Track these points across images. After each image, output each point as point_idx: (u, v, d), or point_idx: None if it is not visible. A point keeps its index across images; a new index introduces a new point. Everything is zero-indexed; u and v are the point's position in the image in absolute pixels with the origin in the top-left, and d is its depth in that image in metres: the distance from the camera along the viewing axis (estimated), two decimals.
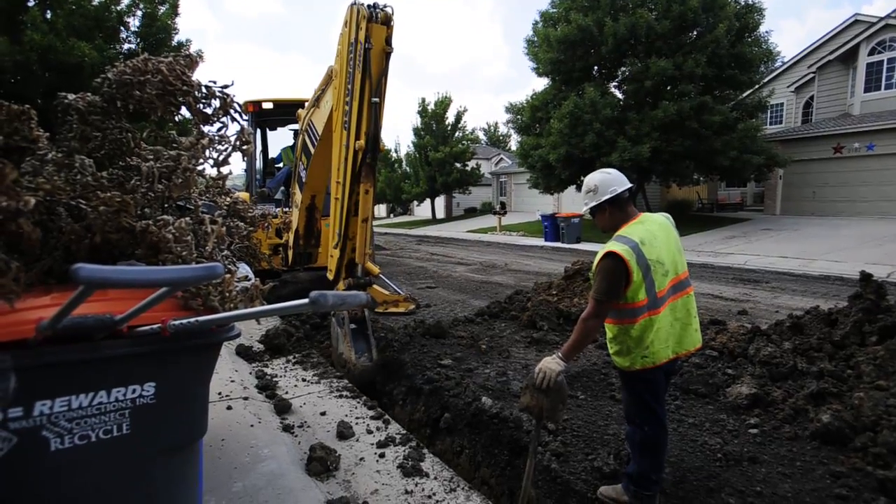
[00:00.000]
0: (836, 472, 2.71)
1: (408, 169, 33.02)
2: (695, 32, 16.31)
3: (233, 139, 1.84)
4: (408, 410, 4.12)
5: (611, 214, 2.51)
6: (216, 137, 1.81)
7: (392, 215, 43.83)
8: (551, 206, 24.68)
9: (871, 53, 17.65)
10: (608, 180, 2.51)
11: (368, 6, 3.96)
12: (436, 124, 29.47)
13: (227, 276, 1.60)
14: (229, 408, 3.50)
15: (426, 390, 4.02)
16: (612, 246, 2.34)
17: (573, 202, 24.43)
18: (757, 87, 18.54)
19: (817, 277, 9.42)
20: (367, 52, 3.95)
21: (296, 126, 8.96)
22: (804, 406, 3.34)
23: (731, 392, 3.67)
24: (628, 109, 16.45)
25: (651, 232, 2.41)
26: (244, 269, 2.16)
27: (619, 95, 17.92)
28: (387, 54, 4.10)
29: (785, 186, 18.89)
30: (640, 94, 16.30)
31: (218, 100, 1.79)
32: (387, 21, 3.98)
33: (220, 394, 3.69)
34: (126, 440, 1.47)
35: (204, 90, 1.77)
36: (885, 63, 17.44)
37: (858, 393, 3.19)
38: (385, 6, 3.99)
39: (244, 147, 1.84)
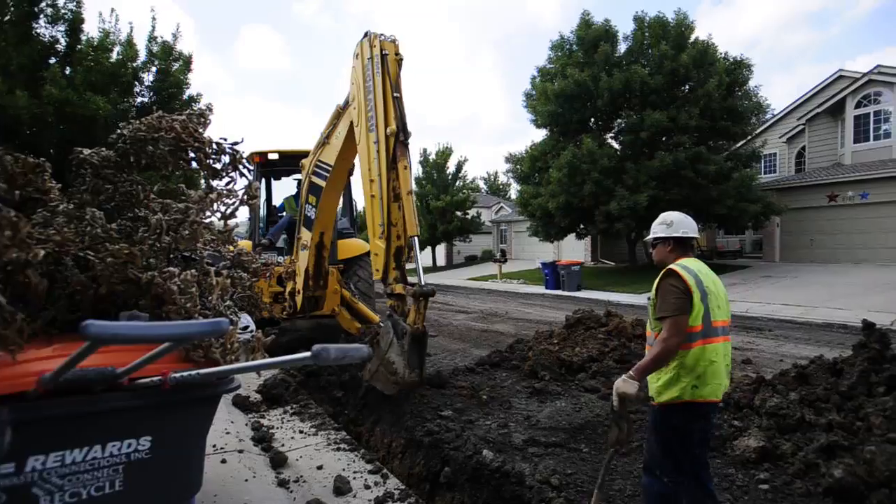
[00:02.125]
0: None
1: None
2: (687, 87, 16.94)
3: (240, 193, 1.89)
4: (407, 464, 3.99)
5: (671, 251, 2.63)
6: (224, 191, 1.86)
7: None
8: (551, 254, 24.78)
9: (857, 107, 18.26)
10: (685, 221, 2.68)
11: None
12: (437, 173, 30.10)
13: (231, 328, 1.60)
14: (223, 461, 3.40)
15: (426, 443, 3.92)
16: (672, 266, 2.46)
17: (573, 250, 24.57)
18: (750, 137, 19.08)
19: (820, 325, 9.34)
20: (385, 57, 4.76)
21: (300, 176, 9.20)
22: (815, 460, 3.24)
23: (738, 445, 3.57)
24: (625, 160, 16.85)
25: (705, 269, 2.54)
26: (246, 320, 2.17)
27: (616, 146, 18.39)
28: (399, 61, 4.85)
29: (783, 234, 19.05)
30: (636, 145, 16.73)
31: (227, 156, 1.85)
32: (394, 41, 4.89)
33: (214, 446, 3.59)
34: (118, 498, 1.43)
35: (214, 146, 1.84)
36: (872, 116, 18.01)
37: (870, 446, 3.11)
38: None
39: (251, 201, 1.90)
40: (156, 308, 1.60)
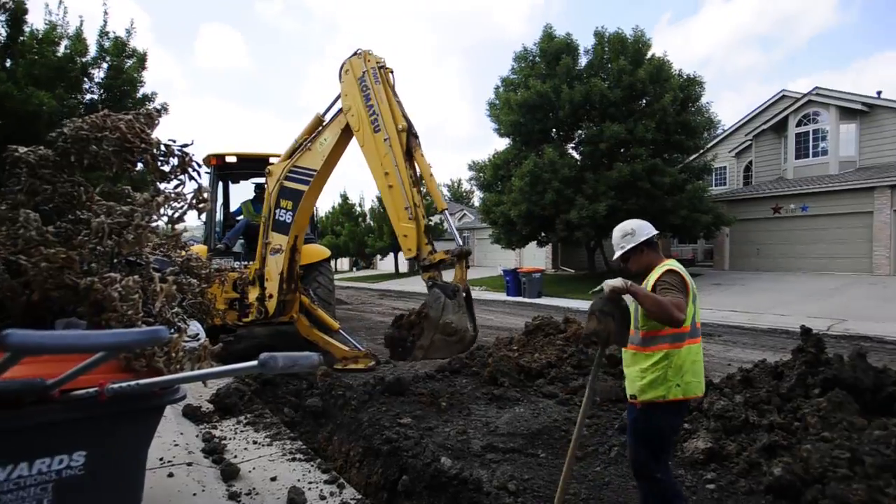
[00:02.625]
0: None
1: (372, 223, 33.16)
2: (644, 101, 17.56)
3: (189, 197, 1.82)
4: (364, 473, 3.93)
5: (646, 255, 2.66)
6: (172, 195, 1.79)
7: (355, 269, 43.48)
8: (513, 261, 25.10)
9: (798, 125, 19.41)
10: (643, 224, 2.71)
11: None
12: None
13: (175, 335, 1.54)
14: (171, 475, 3.26)
15: (384, 451, 3.87)
16: (670, 265, 2.49)
17: (534, 257, 24.97)
18: (702, 151, 19.95)
19: (765, 331, 9.81)
20: (381, 68, 5.52)
21: (259, 180, 8.99)
22: (757, 460, 3.40)
23: (688, 447, 3.70)
24: (585, 170, 17.28)
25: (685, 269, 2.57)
26: (195, 327, 2.09)
27: (577, 156, 18.85)
28: (391, 71, 5.65)
29: (732, 244, 19.97)
30: (595, 156, 17.20)
31: (176, 158, 1.79)
32: (381, 60, 5.67)
33: (161, 459, 3.44)
34: None
35: (163, 148, 1.77)
36: (811, 134, 19.19)
37: (806, 445, 3.28)
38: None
39: (200, 205, 1.83)
40: (95, 315, 1.52)
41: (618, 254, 2.73)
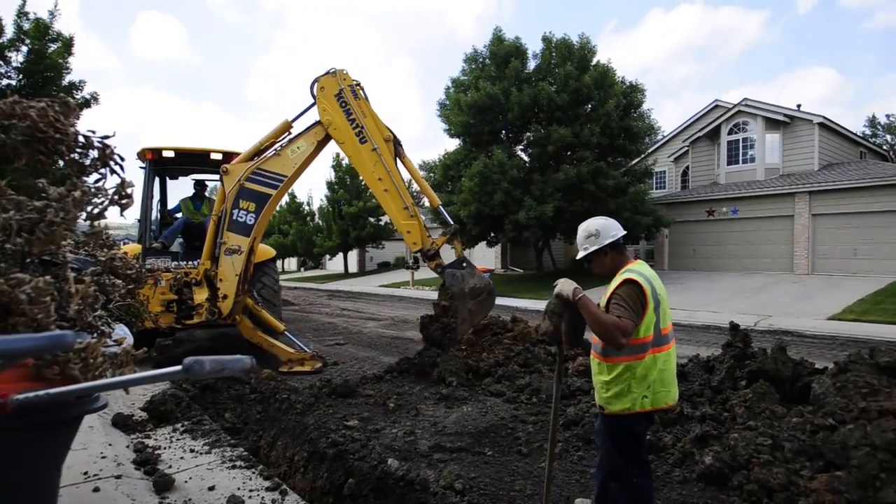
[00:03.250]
0: None
1: (320, 223, 32.50)
2: (589, 106, 18.14)
3: (111, 192, 1.69)
4: (309, 478, 3.83)
5: (611, 259, 2.52)
6: (91, 189, 1.65)
7: (303, 269, 42.46)
8: None
9: (730, 132, 20.67)
10: (608, 225, 2.54)
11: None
12: (350, 179, 29.57)
13: (93, 340, 1.43)
14: (96, 489, 3.04)
15: (330, 454, 3.79)
16: (629, 274, 2.34)
17: (484, 257, 25.26)
18: (643, 156, 20.87)
19: (700, 327, 10.37)
20: (357, 85, 6.22)
21: (199, 176, 8.59)
22: (691, 449, 3.57)
23: None
24: (533, 171, 17.66)
25: (653, 273, 2.46)
26: (121, 331, 1.96)
27: (525, 158, 19.23)
28: (362, 88, 6.31)
29: (670, 244, 21.01)
30: (543, 158, 17.60)
31: (96, 150, 1.65)
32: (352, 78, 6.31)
33: (85, 473, 3.21)
34: None
35: (81, 139, 1.63)
36: (741, 142, 20.49)
37: (734, 434, 3.48)
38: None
39: (123, 201, 1.70)
40: (0, 320, 1.39)
41: (581, 255, 2.60)
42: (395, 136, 6.18)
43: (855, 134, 22.11)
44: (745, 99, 20.24)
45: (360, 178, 7.95)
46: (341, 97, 6.11)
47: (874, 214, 16.04)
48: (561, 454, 3.78)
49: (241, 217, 6.43)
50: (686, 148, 23.48)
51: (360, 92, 6.20)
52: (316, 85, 6.24)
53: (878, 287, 13.62)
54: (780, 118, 19.39)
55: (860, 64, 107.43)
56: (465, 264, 5.84)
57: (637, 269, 2.43)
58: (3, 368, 1.08)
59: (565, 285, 2.35)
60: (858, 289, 13.49)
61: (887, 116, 43.29)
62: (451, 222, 6.45)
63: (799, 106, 20.68)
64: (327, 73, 6.22)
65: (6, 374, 1.16)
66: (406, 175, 6.49)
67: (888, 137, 40.36)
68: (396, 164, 6.22)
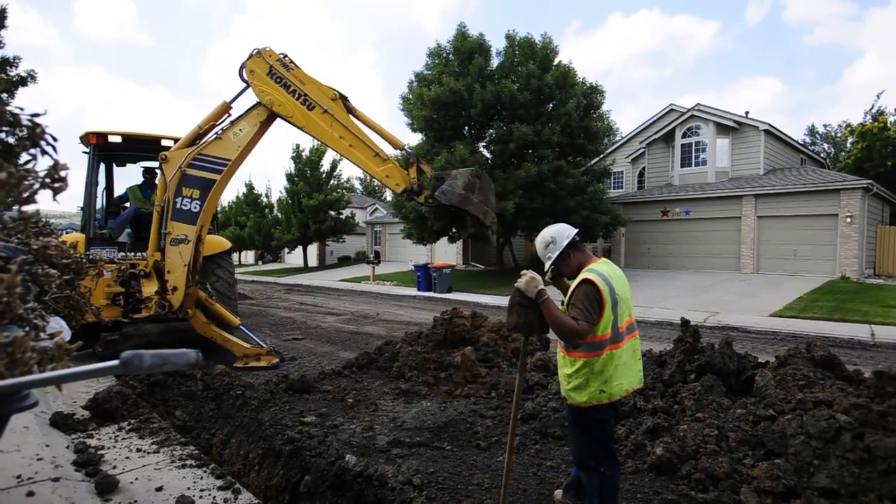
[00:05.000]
0: (669, 500, 3.00)
1: (279, 215, 31.72)
2: (551, 105, 18.41)
3: (42, 175, 1.56)
4: (264, 476, 3.74)
5: (574, 258, 2.64)
6: (19, 172, 1.52)
7: (261, 262, 41.37)
8: (425, 257, 25.27)
9: (684, 136, 21.45)
10: (560, 229, 2.67)
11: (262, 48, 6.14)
12: (310, 171, 28.98)
13: (21, 334, 1.32)
14: (31, 493, 2.86)
15: (286, 451, 3.70)
16: (587, 275, 2.43)
17: (445, 253, 25.32)
18: (602, 156, 21.37)
19: (653, 323, 10.74)
20: (285, 57, 6.07)
21: (148, 164, 8.19)
22: (643, 441, 3.68)
23: None
24: (495, 168, 17.78)
25: (615, 271, 2.57)
26: (57, 324, 1.84)
27: (487, 154, 19.34)
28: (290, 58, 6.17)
29: (627, 243, 21.66)
30: (505, 155, 17.75)
31: (24, 129, 1.52)
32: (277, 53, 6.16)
33: (18, 477, 3.01)
34: None
35: (9, 118, 1.50)
36: (694, 145, 21.31)
37: (683, 426, 3.62)
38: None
39: (56, 185, 1.58)
40: None
41: (547, 266, 2.71)
42: (340, 94, 6.00)
43: (796, 141, 23.38)
44: (698, 104, 21.06)
45: (321, 144, 7.50)
46: (274, 74, 5.99)
47: (812, 217, 17.05)
48: (518, 447, 3.83)
49: (186, 205, 6.20)
50: (643, 149, 24.22)
51: (290, 63, 6.06)
52: (244, 70, 6.08)
53: (815, 286, 14.50)
54: (730, 124, 20.27)
55: (801, 76, 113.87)
56: (441, 178, 5.63)
57: (597, 269, 2.52)
58: None
59: (529, 284, 2.42)
60: (798, 287, 14.32)
61: (825, 126, 46.16)
62: (410, 150, 6.23)
63: (747, 113, 21.69)
64: (251, 55, 6.07)
65: None
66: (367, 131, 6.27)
67: (825, 146, 42.95)
68: (352, 119, 6.06)
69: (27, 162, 1.57)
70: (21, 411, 1.32)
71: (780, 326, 9.84)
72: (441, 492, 3.16)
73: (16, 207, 1.58)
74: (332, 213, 28.72)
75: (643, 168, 24.66)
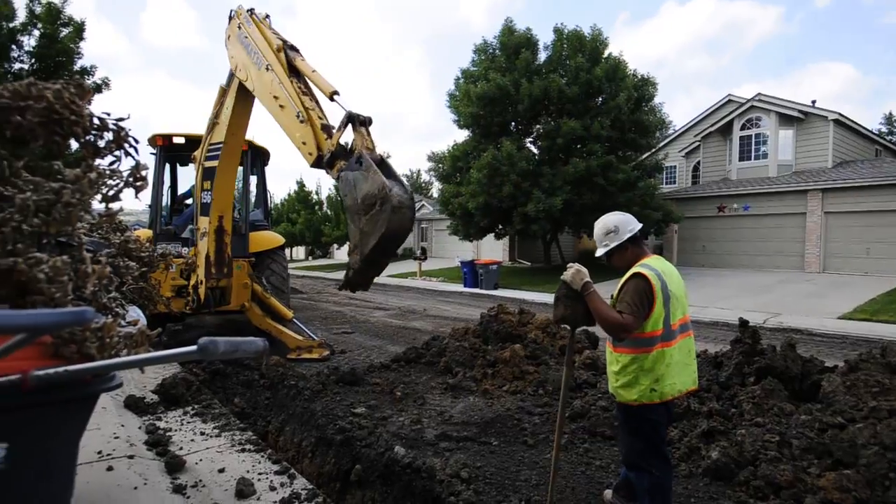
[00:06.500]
0: None
1: (328, 212, 32.58)
2: (600, 99, 17.97)
3: (126, 174, 1.70)
4: (317, 463, 3.88)
5: (631, 252, 2.60)
6: (106, 171, 1.66)
7: (311, 258, 42.65)
8: (471, 253, 25.28)
9: (742, 128, 20.40)
10: (626, 220, 2.63)
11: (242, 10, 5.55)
12: None
13: (110, 320, 1.44)
14: (110, 468, 3.09)
15: (337, 441, 3.83)
16: (640, 269, 2.41)
17: (491, 249, 25.23)
18: (654, 150, 20.66)
19: (708, 323, 10.31)
20: (251, 12, 5.44)
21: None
22: (697, 444, 3.57)
23: None
24: (542, 164, 17.55)
25: (668, 267, 2.54)
26: (135, 313, 1.98)
27: (535, 150, 19.12)
28: (266, 15, 5.49)
29: (680, 240, 20.85)
30: (552, 151, 17.49)
31: (111, 132, 1.66)
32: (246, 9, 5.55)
33: (99, 453, 3.26)
34: None
35: (96, 121, 1.64)
36: (754, 137, 20.22)
37: (741, 430, 3.47)
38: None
39: (138, 183, 1.71)
40: (19, 299, 1.41)
41: (601, 252, 2.66)
42: (286, 43, 5.02)
43: (870, 131, 21.76)
44: (759, 94, 19.96)
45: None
46: (241, 33, 5.37)
47: (888, 213, 15.82)
48: (566, 446, 3.79)
49: (205, 198, 6.27)
50: (697, 143, 23.22)
51: (253, 17, 5.38)
52: (225, 38, 5.65)
53: (891, 287, 13.46)
54: (795, 114, 19.10)
55: (877, 60, 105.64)
56: (360, 162, 3.90)
57: (649, 265, 2.48)
58: (24, 344, 1.09)
59: (576, 276, 2.41)
60: (870, 288, 13.35)
61: None
62: (346, 110, 4.31)
63: (814, 102, 20.37)
64: (229, 19, 5.64)
65: (26, 351, 1.17)
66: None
67: None
68: (297, 72, 4.94)
69: (112, 163, 1.71)
70: (109, 391, 1.44)
71: (849, 329, 9.22)
72: (489, 486, 3.18)
73: (103, 205, 1.73)
74: None
75: (698, 162, 23.65)
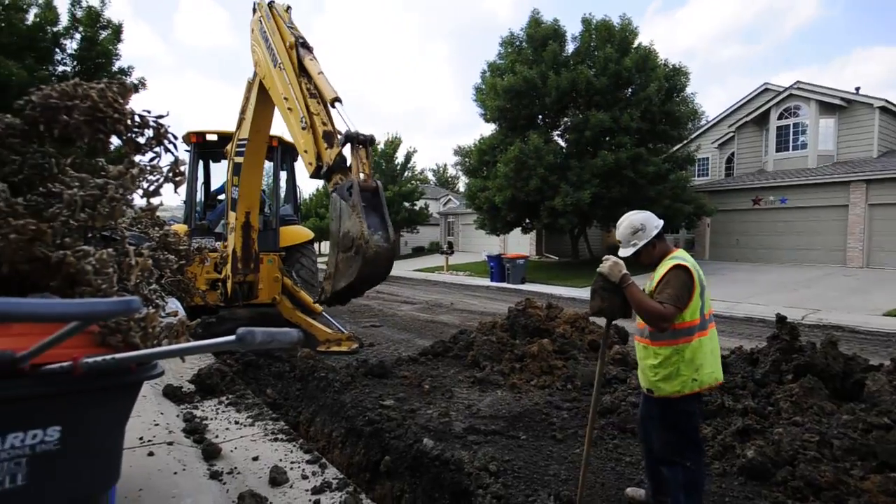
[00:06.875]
0: None
1: None
2: (629, 90, 17.58)
3: (165, 170, 1.76)
4: (347, 454, 3.95)
5: (658, 248, 2.64)
6: (147, 167, 1.73)
7: None
8: (497, 247, 25.18)
9: (779, 118, 19.65)
10: (649, 218, 2.67)
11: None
12: (385, 163, 29.79)
13: (152, 311, 1.50)
14: (151, 454, 3.22)
15: (367, 432, 3.89)
16: (679, 261, 2.46)
17: (518, 244, 25.07)
18: (685, 142, 20.11)
19: (742, 319, 10.03)
20: (271, 5, 5.25)
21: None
22: (731, 443, 3.48)
23: None
24: (570, 157, 17.31)
25: (694, 261, 2.57)
26: (174, 305, 2.05)
27: (562, 143, 18.87)
28: (287, 7, 5.35)
29: (712, 234, 20.28)
30: (580, 143, 17.22)
31: (151, 129, 1.72)
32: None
33: (141, 439, 3.40)
34: (21, 492, 1.31)
35: (137, 119, 1.70)
36: (792, 127, 19.45)
37: (778, 429, 3.37)
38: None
39: (177, 178, 1.77)
40: (68, 290, 1.48)
41: (629, 251, 2.66)
42: (298, 39, 4.80)
43: None
44: (798, 82, 19.18)
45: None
46: (262, 27, 5.22)
47: None
48: (596, 441, 3.75)
49: (235, 194, 6.38)
50: (732, 133, 22.49)
51: (273, 10, 5.20)
52: (249, 32, 5.55)
53: None
54: (836, 102, 18.29)
55: None
56: (352, 192, 3.79)
57: (684, 256, 2.54)
58: (76, 331, 1.15)
59: (613, 268, 2.43)
60: None
61: None
62: (354, 128, 4.13)
63: (857, 89, 19.43)
64: (253, 12, 5.52)
65: (75, 340, 1.23)
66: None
67: None
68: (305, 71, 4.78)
69: (152, 159, 1.78)
70: (151, 379, 1.50)
71: (895, 327, 8.83)
72: (517, 480, 3.18)
73: (143, 199, 1.80)
74: (407, 204, 29.36)
75: (732, 153, 22.92)
